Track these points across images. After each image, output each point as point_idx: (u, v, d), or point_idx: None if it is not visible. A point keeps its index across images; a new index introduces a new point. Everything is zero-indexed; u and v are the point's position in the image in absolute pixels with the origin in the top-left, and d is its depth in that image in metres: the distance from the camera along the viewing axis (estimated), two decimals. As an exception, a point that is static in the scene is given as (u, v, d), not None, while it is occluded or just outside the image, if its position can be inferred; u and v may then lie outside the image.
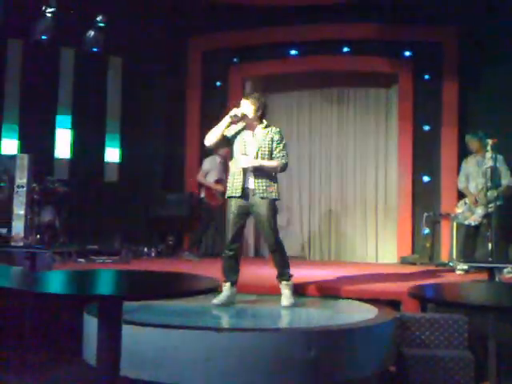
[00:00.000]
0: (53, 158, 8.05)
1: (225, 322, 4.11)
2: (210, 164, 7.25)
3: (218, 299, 4.33)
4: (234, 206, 4.35)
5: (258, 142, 4.36)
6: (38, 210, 7.03)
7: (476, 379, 3.97)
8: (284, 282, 4.37)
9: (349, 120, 8.37)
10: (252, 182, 4.31)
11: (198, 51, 8.49)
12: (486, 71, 7.37)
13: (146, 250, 7.54)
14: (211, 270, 5.28)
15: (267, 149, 4.34)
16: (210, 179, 7.20)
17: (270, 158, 4.36)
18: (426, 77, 7.84)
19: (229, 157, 4.65)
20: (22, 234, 6.70)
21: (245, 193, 4.32)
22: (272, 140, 4.37)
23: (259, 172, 4.31)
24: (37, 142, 7.62)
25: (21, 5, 7.05)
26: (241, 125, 4.42)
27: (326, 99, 8.45)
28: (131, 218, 7.91)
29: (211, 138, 4.38)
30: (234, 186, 4.36)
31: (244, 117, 4.33)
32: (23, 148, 7.62)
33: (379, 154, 8.20)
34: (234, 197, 4.35)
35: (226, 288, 4.38)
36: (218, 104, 7.97)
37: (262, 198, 4.29)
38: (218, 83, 8.47)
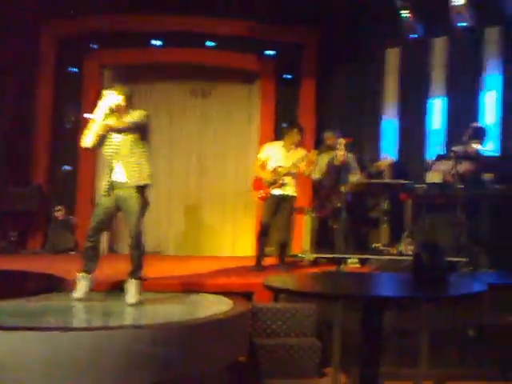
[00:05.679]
0: None
1: (70, 321, 3.93)
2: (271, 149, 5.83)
3: (78, 293, 4.19)
4: (102, 198, 4.26)
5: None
6: None
7: (322, 365, 4.16)
8: (132, 280, 4.23)
9: (212, 114, 8.38)
10: (122, 172, 4.16)
11: (53, 35, 7.93)
12: (340, 72, 7.80)
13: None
14: (57, 267, 5.00)
15: (132, 131, 4.18)
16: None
17: (140, 141, 4.21)
18: (287, 76, 8.09)
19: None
20: None
21: (113, 186, 4.20)
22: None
23: (130, 159, 4.17)
24: None
25: None
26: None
27: (190, 92, 8.38)
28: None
29: (89, 140, 4.17)
30: (104, 182, 4.25)
31: (118, 107, 4.16)
32: None
33: (241, 148, 8.31)
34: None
35: (83, 278, 4.23)
36: (72, 92, 7.54)
37: (135, 186, 4.17)
38: (74, 70, 8.00)
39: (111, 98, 4.17)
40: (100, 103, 4.13)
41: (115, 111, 4.16)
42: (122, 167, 4.17)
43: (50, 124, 7.78)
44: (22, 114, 7.84)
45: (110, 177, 4.20)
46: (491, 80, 6.84)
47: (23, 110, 7.85)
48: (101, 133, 4.16)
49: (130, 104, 4.29)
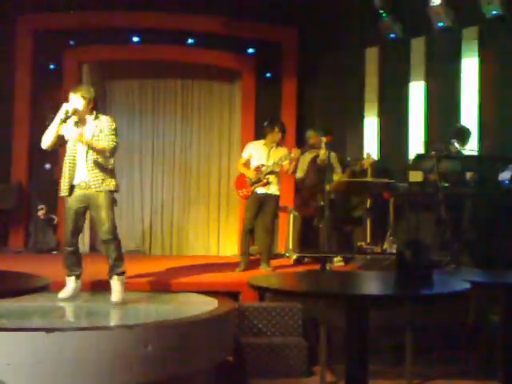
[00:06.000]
0: None
1: (56, 321, 3.85)
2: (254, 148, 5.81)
3: (64, 292, 4.23)
4: (70, 201, 4.22)
5: (88, 134, 4.15)
6: None
7: (309, 363, 4.18)
8: (115, 277, 4.23)
9: (193, 112, 8.34)
10: (86, 175, 4.15)
11: (29, 30, 7.77)
12: (322, 70, 7.84)
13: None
14: (40, 267, 4.95)
15: (98, 140, 4.16)
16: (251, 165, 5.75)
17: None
18: (268, 74, 8.10)
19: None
20: None
21: (77, 188, 4.19)
22: (101, 130, 4.20)
23: (94, 164, 4.16)
24: None
25: None
26: (73, 120, 4.20)
27: (170, 89, 8.33)
28: None
29: (47, 141, 4.16)
30: (64, 183, 4.22)
31: (76, 111, 4.11)
32: None
33: (223, 147, 8.30)
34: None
35: (72, 280, 4.28)
36: (51, 89, 7.41)
37: (98, 191, 4.16)
38: (52, 66, 7.88)
39: (73, 100, 4.14)
40: (64, 105, 4.09)
41: (75, 114, 4.12)
42: (86, 169, 4.15)
43: (29, 121, 7.64)
44: (0, 110, 7.70)
45: (72, 177, 4.17)
46: (469, 79, 6.93)
47: (1, 105, 7.71)
48: (60, 134, 4.14)
49: (94, 106, 4.24)
